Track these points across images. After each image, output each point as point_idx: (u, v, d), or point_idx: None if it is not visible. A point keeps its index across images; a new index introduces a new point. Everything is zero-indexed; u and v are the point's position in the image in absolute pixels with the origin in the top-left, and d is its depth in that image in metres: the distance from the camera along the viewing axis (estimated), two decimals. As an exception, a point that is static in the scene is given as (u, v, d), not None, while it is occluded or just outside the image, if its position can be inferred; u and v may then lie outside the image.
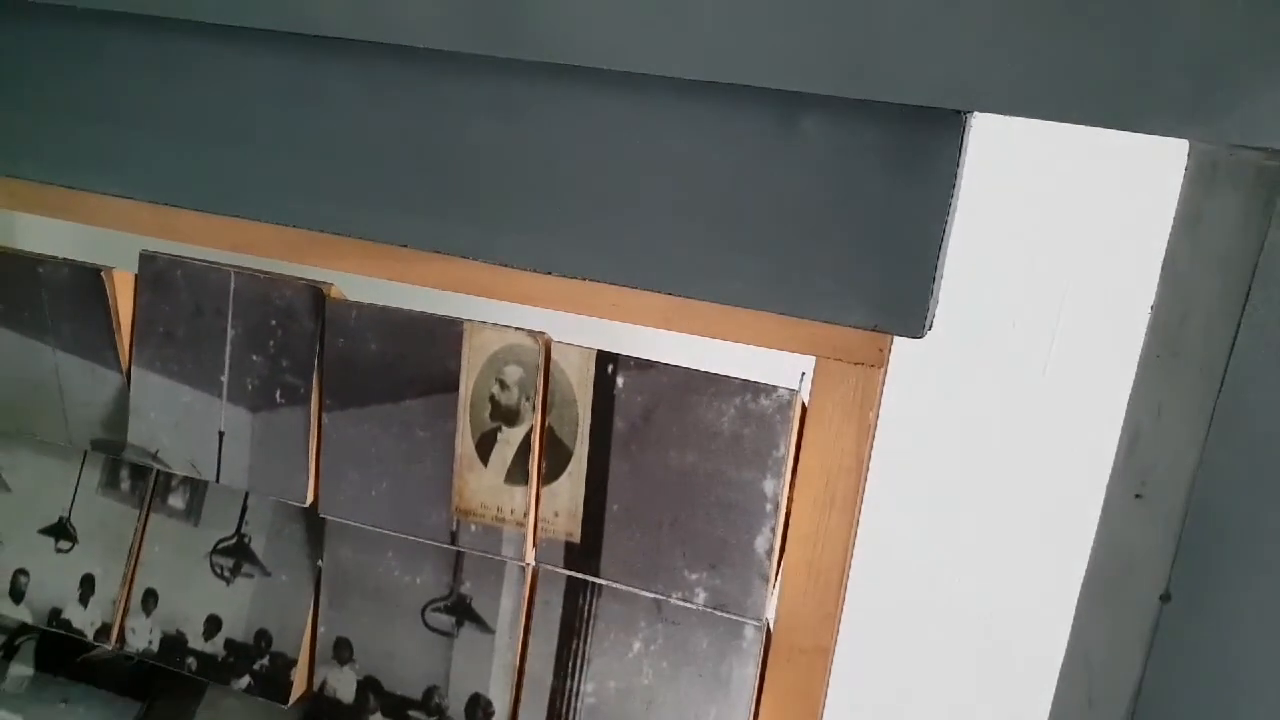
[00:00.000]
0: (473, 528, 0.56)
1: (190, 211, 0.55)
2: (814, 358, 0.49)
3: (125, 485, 0.64)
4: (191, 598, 0.62)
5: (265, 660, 0.60)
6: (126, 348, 0.61)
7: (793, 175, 0.45)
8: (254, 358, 0.58)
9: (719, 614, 0.53)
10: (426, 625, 0.58)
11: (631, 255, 0.48)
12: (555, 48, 0.43)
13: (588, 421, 0.53)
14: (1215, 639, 0.41)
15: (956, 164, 0.43)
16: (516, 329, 0.53)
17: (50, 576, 0.65)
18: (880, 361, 0.49)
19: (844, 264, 0.45)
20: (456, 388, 0.54)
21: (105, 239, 0.58)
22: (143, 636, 0.63)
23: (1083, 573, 0.50)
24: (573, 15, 0.43)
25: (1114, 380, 0.48)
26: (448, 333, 0.54)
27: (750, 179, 0.45)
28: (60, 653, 0.66)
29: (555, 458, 0.54)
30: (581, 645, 0.56)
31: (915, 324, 0.45)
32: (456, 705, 0.58)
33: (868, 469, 0.53)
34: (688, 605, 0.53)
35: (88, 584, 0.64)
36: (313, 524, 0.60)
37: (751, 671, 0.53)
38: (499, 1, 0.43)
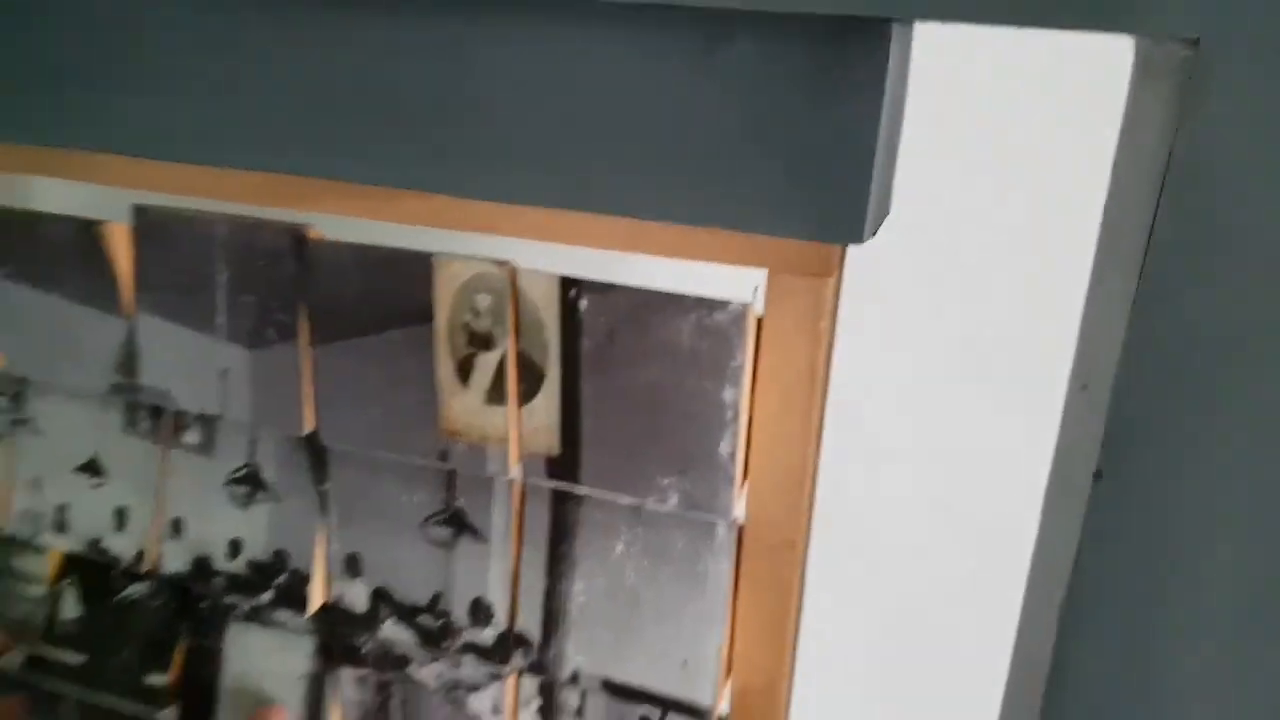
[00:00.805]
0: (460, 447, 0.59)
1: (168, 163, 0.58)
2: (765, 271, 0.51)
3: (145, 425, 0.68)
4: (214, 524, 0.67)
5: (284, 577, 0.66)
6: (129, 297, 0.64)
7: (728, 96, 0.46)
8: (246, 299, 0.62)
9: (691, 515, 0.56)
10: (427, 538, 0.63)
11: (582, 181, 0.50)
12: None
13: (557, 343, 0.56)
14: (1141, 510, 0.44)
15: (883, 74, 0.44)
16: (483, 259, 0.56)
17: (88, 510, 0.71)
18: (827, 271, 0.50)
19: (781, 178, 0.47)
20: (432, 318, 0.57)
21: (89, 194, 0.61)
22: (176, 559, 0.69)
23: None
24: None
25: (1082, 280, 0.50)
26: (421, 266, 0.57)
27: (684, 102, 0.47)
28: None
29: (530, 378, 0.57)
30: (569, 549, 0.60)
31: (854, 232, 0.47)
32: (460, 609, 0.63)
33: (826, 375, 0.55)
34: (662, 509, 0.56)
35: (120, 515, 0.70)
36: (316, 451, 0.64)
37: (725, 566, 0.57)
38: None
